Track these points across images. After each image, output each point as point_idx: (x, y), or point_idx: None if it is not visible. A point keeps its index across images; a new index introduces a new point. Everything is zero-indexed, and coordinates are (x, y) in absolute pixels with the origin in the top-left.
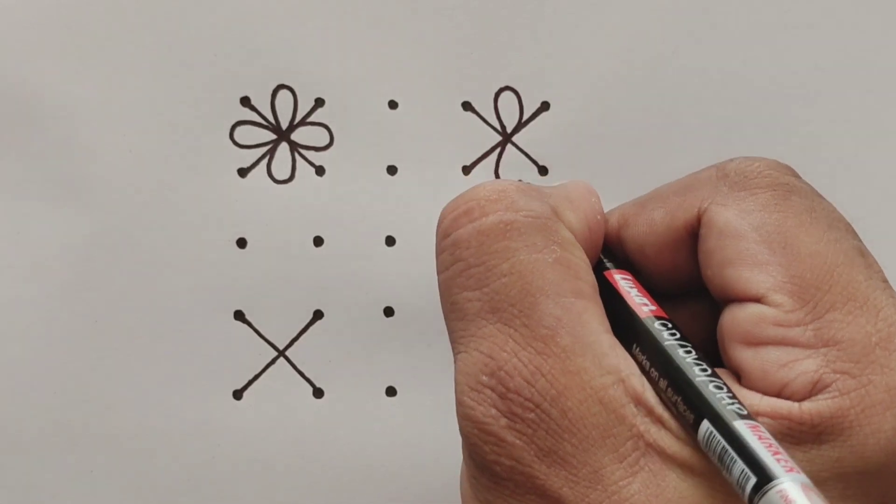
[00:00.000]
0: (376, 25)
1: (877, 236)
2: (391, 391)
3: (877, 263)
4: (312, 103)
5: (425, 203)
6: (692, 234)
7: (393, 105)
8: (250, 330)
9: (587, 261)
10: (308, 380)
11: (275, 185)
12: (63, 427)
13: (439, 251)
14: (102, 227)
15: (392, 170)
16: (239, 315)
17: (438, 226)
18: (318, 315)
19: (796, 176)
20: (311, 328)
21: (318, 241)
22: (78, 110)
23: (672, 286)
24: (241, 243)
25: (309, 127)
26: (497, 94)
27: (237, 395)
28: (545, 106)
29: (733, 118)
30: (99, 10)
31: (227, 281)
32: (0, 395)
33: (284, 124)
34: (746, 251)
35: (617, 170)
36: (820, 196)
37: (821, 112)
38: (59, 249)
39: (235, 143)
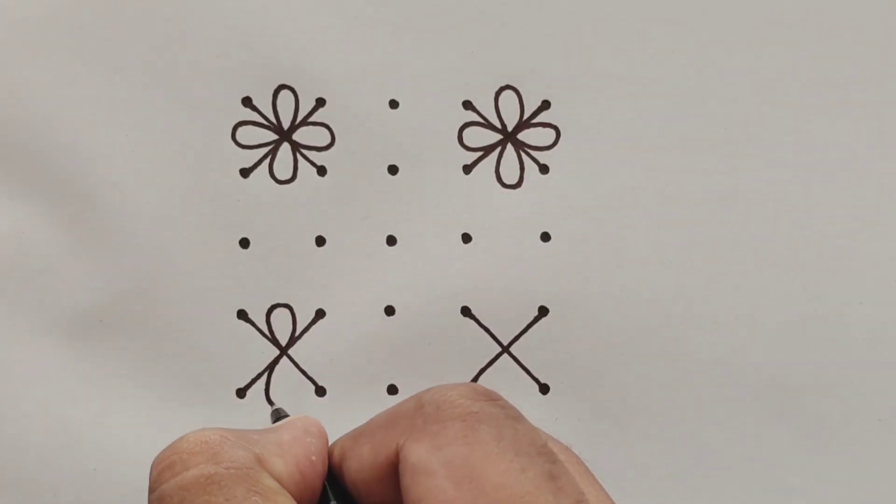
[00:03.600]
0: (377, 25)
1: (877, 236)
2: (392, 389)
3: (570, 484)
4: (314, 103)
5: (426, 202)
6: (395, 471)
7: (394, 105)
8: (254, 329)
9: None
10: (310, 378)
11: (277, 185)
12: (63, 427)
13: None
14: (104, 227)
15: (393, 169)
16: (242, 314)
17: (150, 476)
18: (319, 314)
19: (491, 400)
20: (313, 327)
21: (320, 241)
22: (79, 110)
23: None
24: (244, 243)
25: (310, 127)
26: (498, 93)
27: (240, 393)
28: (546, 105)
29: (733, 118)
30: (99, 10)
31: (229, 281)
32: (1, 394)
33: (286, 124)
34: (436, 489)
35: (617, 168)
36: (514, 419)
37: (821, 112)
38: (62, 249)
39: (237, 144)
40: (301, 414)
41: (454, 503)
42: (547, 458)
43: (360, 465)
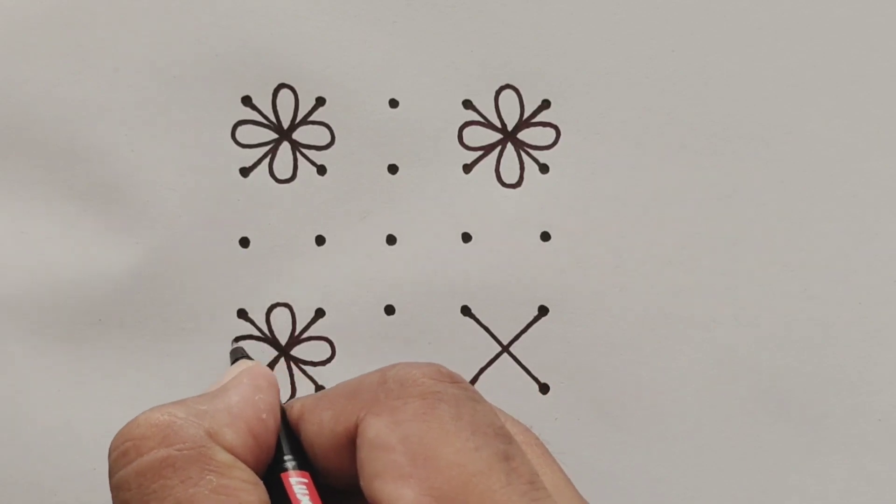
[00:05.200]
0: (377, 24)
1: (876, 236)
2: None
3: (524, 465)
4: (313, 102)
5: (426, 202)
6: (353, 441)
7: (394, 104)
8: (253, 328)
9: (252, 478)
10: (310, 377)
11: (277, 184)
12: (63, 427)
13: (111, 491)
14: (104, 227)
15: (393, 168)
16: (242, 314)
17: (108, 463)
18: (319, 313)
19: (454, 382)
20: (313, 326)
21: (320, 240)
22: (79, 110)
23: (347, 486)
24: (244, 243)
25: (310, 126)
26: (498, 92)
27: None
28: (546, 104)
29: (733, 118)
30: (99, 10)
31: (229, 280)
32: (1, 394)
33: (286, 123)
34: (392, 464)
35: (617, 168)
36: (473, 401)
37: (821, 112)
38: (62, 249)
39: (237, 143)
40: (250, 363)
41: (409, 479)
42: (503, 439)
43: (319, 429)
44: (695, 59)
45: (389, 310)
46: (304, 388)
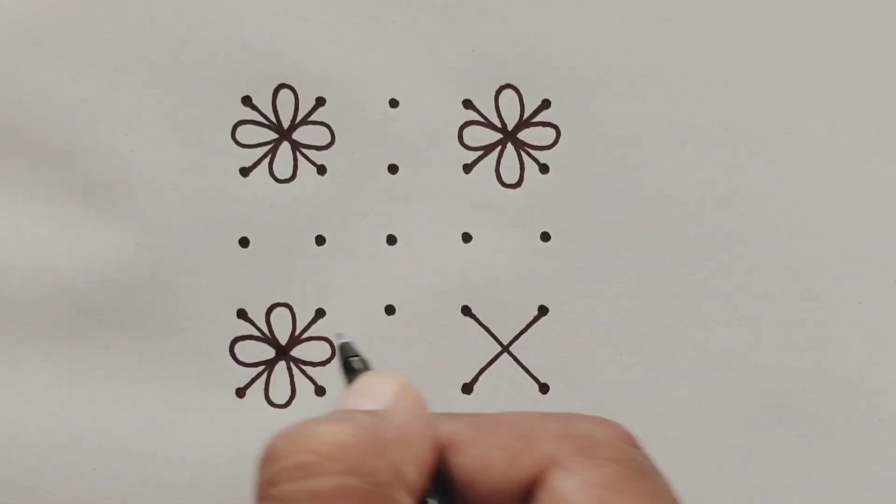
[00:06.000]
0: (377, 24)
1: (876, 236)
2: None
3: None
4: (314, 102)
5: (426, 202)
6: (528, 489)
7: (394, 104)
8: (253, 328)
9: None
10: (310, 378)
11: (276, 184)
12: (63, 427)
13: (262, 496)
14: (104, 227)
15: (393, 168)
16: (242, 314)
17: (265, 463)
18: (319, 313)
19: (638, 446)
20: (313, 326)
21: (320, 240)
22: (78, 110)
23: None
24: (244, 242)
25: (310, 126)
26: (498, 92)
27: (240, 393)
28: (546, 104)
29: (733, 118)
30: (99, 10)
31: (229, 280)
32: (1, 394)
33: (286, 123)
34: None
35: (617, 168)
36: (659, 475)
37: (821, 112)
38: (61, 249)
39: (237, 143)
40: (394, 376)
41: None
42: None
43: (486, 467)
44: (695, 59)
45: (389, 310)
46: (305, 388)
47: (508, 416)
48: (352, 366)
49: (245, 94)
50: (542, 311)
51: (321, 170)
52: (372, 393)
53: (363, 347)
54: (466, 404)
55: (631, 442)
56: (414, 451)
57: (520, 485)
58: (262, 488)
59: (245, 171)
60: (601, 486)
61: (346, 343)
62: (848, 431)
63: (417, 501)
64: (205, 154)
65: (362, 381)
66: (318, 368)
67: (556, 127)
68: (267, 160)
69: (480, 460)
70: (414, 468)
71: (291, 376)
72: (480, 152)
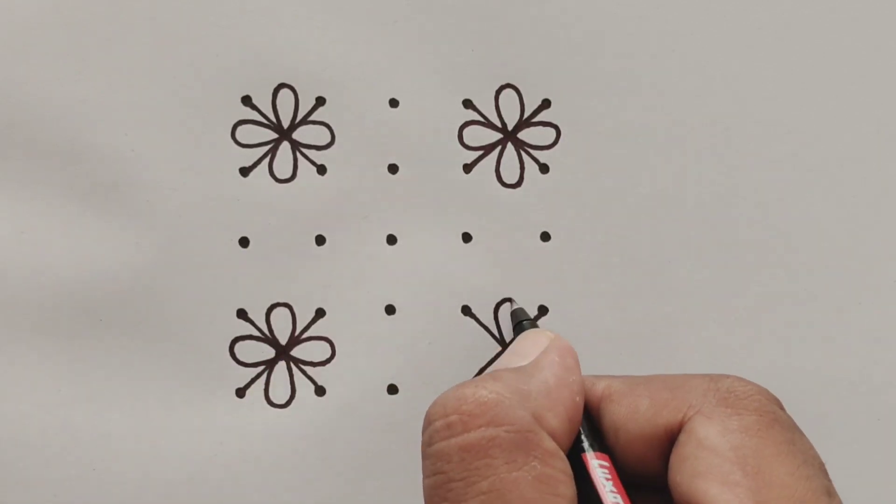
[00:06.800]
0: (376, 24)
1: (876, 236)
2: (392, 389)
3: None
4: (313, 102)
5: (427, 201)
6: (670, 435)
7: (394, 103)
8: (253, 328)
9: (568, 471)
10: (310, 378)
11: (276, 184)
12: (63, 427)
13: (424, 456)
14: (104, 227)
15: (393, 168)
16: (241, 314)
17: (424, 428)
18: (319, 313)
19: (782, 408)
20: (313, 326)
21: (320, 240)
22: (78, 110)
23: (636, 474)
24: (244, 242)
25: (310, 126)
26: (498, 92)
27: (240, 393)
28: (546, 103)
29: (733, 118)
30: (99, 10)
31: (229, 280)
32: (1, 394)
33: (286, 123)
34: (720, 468)
35: (617, 168)
36: (801, 432)
37: (821, 112)
38: (61, 249)
39: (237, 143)
40: (547, 334)
41: (736, 486)
42: (826, 475)
43: (632, 415)
44: (695, 59)
45: (389, 310)
46: (304, 388)
47: (659, 375)
48: (522, 327)
49: (245, 94)
50: (542, 311)
51: (321, 170)
52: (523, 351)
53: (363, 347)
54: None
55: (773, 399)
56: (555, 399)
57: (665, 430)
58: (422, 448)
59: (245, 171)
60: (739, 430)
61: (519, 308)
62: (848, 431)
63: (566, 444)
64: (205, 154)
65: (518, 340)
66: (319, 368)
67: (556, 127)
68: (267, 160)
69: (630, 408)
70: (555, 415)
71: (291, 376)
72: (480, 152)
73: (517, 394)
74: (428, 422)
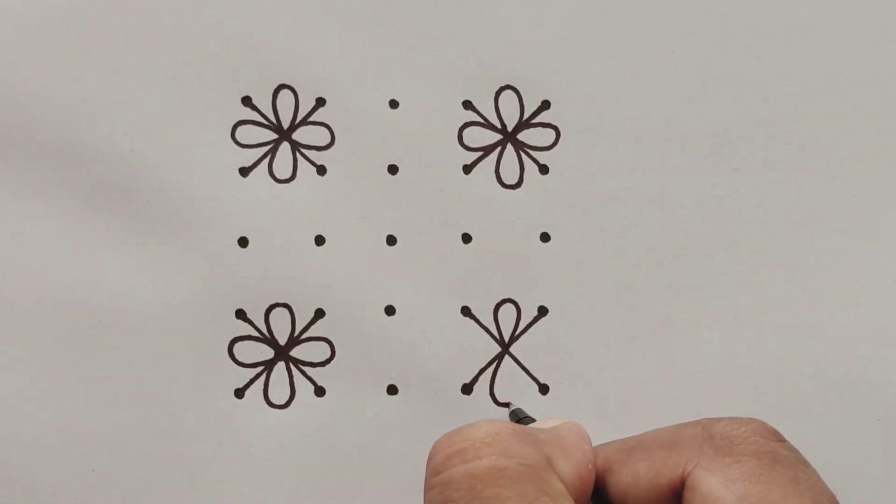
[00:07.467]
0: (377, 25)
1: (876, 236)
2: (392, 389)
3: None
4: (313, 103)
5: (427, 202)
6: (675, 494)
7: (394, 104)
8: (252, 329)
9: None
10: (310, 378)
11: (276, 184)
12: (63, 427)
13: (428, 487)
14: (104, 227)
15: (393, 169)
16: (241, 314)
17: (430, 460)
18: (319, 314)
19: (781, 441)
20: (313, 327)
21: (320, 241)
22: (78, 110)
23: None
24: (243, 242)
25: (310, 126)
26: (498, 93)
27: (239, 393)
28: (546, 104)
29: (733, 118)
30: (99, 10)
31: (228, 280)
32: (1, 394)
33: (286, 124)
34: None
35: (617, 169)
36: (805, 464)
37: (821, 112)
38: (61, 249)
39: (237, 143)
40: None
41: None
42: None
43: (635, 481)
44: (695, 59)
45: (389, 310)
46: (304, 388)
47: (652, 433)
48: (512, 419)
49: (245, 94)
50: (542, 311)
51: (321, 170)
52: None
53: (363, 347)
54: (466, 404)
55: (770, 436)
56: (567, 450)
57: (668, 489)
58: (427, 480)
59: (245, 171)
60: (741, 479)
61: (517, 409)
62: (848, 431)
63: (574, 497)
64: (205, 154)
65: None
66: (318, 369)
67: (555, 128)
68: (267, 160)
69: (631, 475)
70: (567, 464)
71: (291, 377)
72: (480, 153)
73: (530, 435)
74: (434, 452)
